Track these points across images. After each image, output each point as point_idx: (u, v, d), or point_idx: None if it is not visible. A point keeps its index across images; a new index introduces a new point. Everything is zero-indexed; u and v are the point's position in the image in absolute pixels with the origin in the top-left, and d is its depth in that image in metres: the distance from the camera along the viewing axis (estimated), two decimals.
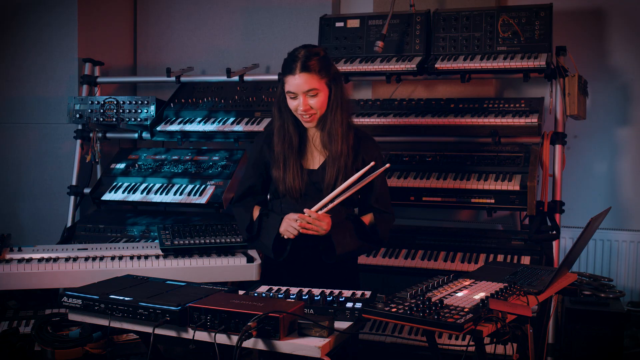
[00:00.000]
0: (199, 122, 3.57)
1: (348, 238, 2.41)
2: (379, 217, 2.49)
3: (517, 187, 3.05)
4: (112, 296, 2.03)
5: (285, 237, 2.38)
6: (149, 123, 3.61)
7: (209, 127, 3.51)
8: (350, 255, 2.50)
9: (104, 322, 2.05)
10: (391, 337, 3.08)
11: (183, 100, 3.76)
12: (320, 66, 2.34)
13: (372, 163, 2.34)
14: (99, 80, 3.91)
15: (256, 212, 2.52)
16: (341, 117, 2.40)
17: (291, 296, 2.08)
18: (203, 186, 3.45)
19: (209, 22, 4.17)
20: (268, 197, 2.62)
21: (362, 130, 2.55)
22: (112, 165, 3.73)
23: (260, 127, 3.40)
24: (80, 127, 3.80)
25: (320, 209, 2.34)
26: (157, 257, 2.93)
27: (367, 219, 2.51)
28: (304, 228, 2.32)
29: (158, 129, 3.60)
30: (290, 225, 2.35)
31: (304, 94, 2.34)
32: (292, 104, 2.38)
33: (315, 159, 2.49)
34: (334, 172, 2.39)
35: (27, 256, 2.93)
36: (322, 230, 2.32)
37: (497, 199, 3.09)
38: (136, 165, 3.69)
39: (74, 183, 3.78)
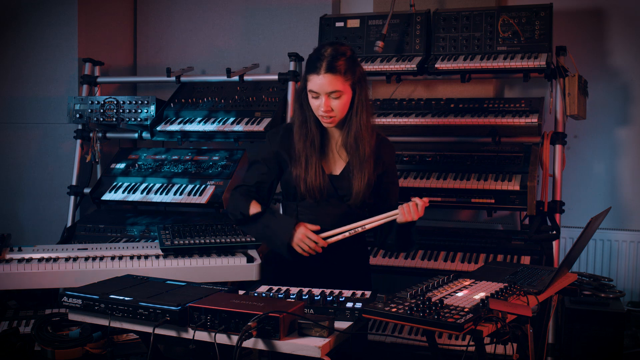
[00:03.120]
0: (199, 122, 3.57)
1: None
2: None
3: (517, 187, 3.05)
4: (112, 296, 2.03)
5: (297, 250, 2.31)
6: (149, 123, 3.61)
7: (209, 127, 3.51)
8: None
9: (104, 322, 2.05)
10: (391, 337, 3.08)
11: (183, 100, 3.76)
12: (346, 67, 2.28)
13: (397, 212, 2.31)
14: (99, 80, 3.91)
15: (253, 207, 2.40)
16: (367, 120, 2.35)
17: (291, 296, 2.08)
18: (203, 186, 3.45)
19: (209, 22, 4.17)
20: (280, 202, 2.55)
21: (379, 133, 2.49)
22: (112, 165, 3.74)
23: (260, 127, 3.39)
24: (80, 127, 3.80)
25: (330, 237, 2.33)
26: (157, 257, 2.93)
27: None
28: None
29: (158, 128, 3.60)
30: (305, 241, 2.29)
31: (327, 94, 2.27)
32: (313, 103, 2.32)
33: (337, 164, 2.43)
34: (360, 180, 2.35)
35: (27, 256, 2.93)
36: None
37: (497, 199, 3.09)
38: (136, 165, 3.69)
39: (74, 183, 3.78)
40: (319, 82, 2.26)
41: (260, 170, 2.47)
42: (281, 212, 2.55)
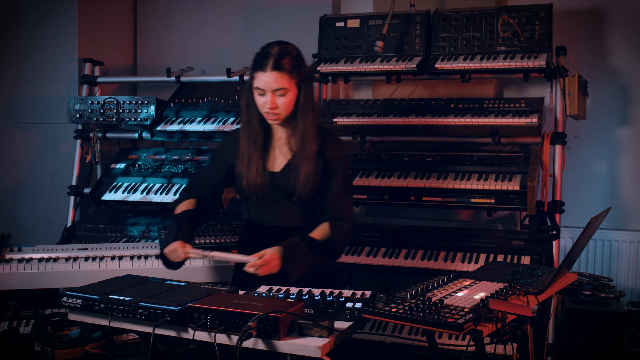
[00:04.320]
0: (199, 122, 3.57)
1: (301, 261, 2.28)
2: (334, 225, 2.36)
3: (517, 187, 3.05)
4: (112, 296, 2.03)
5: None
6: (149, 123, 3.61)
7: (209, 127, 3.51)
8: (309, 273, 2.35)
9: (104, 322, 2.05)
10: (391, 337, 3.08)
11: (183, 100, 3.76)
12: (292, 66, 2.30)
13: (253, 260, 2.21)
14: (99, 80, 3.91)
15: (184, 206, 2.46)
16: (312, 118, 2.37)
17: (291, 296, 2.08)
18: None
19: (209, 22, 4.18)
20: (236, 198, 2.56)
21: (329, 131, 2.49)
22: (112, 165, 3.74)
23: None
24: (80, 127, 3.80)
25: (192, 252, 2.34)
26: (157, 257, 2.93)
27: (319, 233, 2.36)
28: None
29: (158, 128, 3.60)
30: (172, 252, 2.33)
31: (273, 92, 2.30)
32: (259, 100, 2.34)
33: (278, 161, 2.43)
34: (302, 176, 2.33)
35: (27, 256, 2.93)
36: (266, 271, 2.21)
37: (497, 199, 3.09)
38: (136, 165, 3.69)
39: (74, 183, 3.78)
40: (265, 79, 2.29)
41: (211, 167, 2.57)
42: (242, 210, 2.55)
